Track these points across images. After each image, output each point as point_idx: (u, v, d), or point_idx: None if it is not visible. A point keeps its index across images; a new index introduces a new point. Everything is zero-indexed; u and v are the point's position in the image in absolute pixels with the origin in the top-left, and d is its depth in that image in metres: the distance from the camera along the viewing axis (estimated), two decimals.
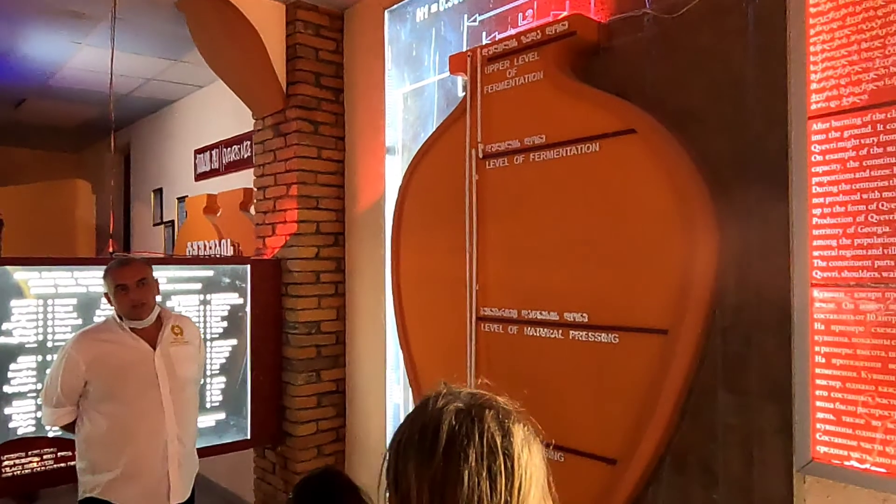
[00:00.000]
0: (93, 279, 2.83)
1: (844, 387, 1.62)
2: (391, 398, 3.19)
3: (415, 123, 3.01)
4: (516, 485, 0.80)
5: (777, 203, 1.76)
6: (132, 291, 2.32)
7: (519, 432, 0.83)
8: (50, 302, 2.75)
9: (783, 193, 1.75)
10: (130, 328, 2.36)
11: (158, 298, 2.47)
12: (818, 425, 1.67)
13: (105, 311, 2.75)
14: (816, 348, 1.67)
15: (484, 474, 0.79)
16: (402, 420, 0.88)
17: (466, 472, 0.78)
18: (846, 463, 1.62)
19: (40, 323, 2.73)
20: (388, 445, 0.86)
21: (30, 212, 6.47)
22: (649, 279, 1.98)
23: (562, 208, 2.23)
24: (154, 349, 2.37)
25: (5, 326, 2.66)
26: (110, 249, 3.34)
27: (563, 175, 2.22)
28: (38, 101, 5.42)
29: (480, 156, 2.50)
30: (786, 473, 1.75)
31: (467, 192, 2.52)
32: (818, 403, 1.67)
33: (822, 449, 1.66)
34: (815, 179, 1.69)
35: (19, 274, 2.70)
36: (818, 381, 1.67)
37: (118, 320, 2.37)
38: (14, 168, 6.79)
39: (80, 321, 2.80)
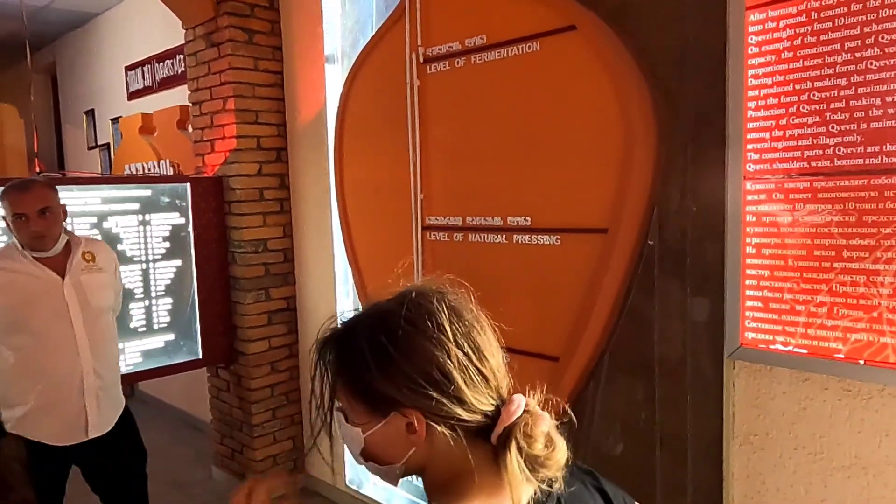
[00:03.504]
0: None
1: (772, 275, 1.68)
2: (342, 312, 3.19)
3: (353, 29, 2.88)
4: (487, 332, 0.83)
5: (714, 97, 1.76)
6: (32, 222, 2.09)
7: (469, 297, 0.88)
8: None
9: (721, 87, 1.75)
10: (34, 257, 2.17)
11: (72, 223, 2.28)
12: (747, 313, 1.74)
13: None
14: (748, 239, 1.72)
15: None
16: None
17: (458, 306, 0.82)
18: (772, 347, 1.70)
19: None
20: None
21: None
22: (590, 179, 1.99)
23: (504, 111, 2.19)
24: (63, 278, 2.19)
25: None
26: (37, 170, 3.17)
27: (504, 76, 2.18)
28: None
29: (421, 60, 2.42)
30: (717, 360, 1.83)
31: (408, 99, 2.45)
32: (748, 292, 1.74)
33: (750, 335, 1.74)
34: (750, 72, 1.68)
35: None
36: (748, 272, 1.73)
37: (20, 247, 2.17)
38: None
39: None
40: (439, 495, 0.79)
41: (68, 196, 2.85)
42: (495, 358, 0.82)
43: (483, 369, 0.79)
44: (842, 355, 1.58)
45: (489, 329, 0.84)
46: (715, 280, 1.80)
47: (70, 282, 2.21)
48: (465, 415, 0.77)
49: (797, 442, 1.73)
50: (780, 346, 1.69)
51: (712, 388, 1.85)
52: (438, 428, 0.77)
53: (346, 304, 3.17)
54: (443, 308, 0.80)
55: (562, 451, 0.78)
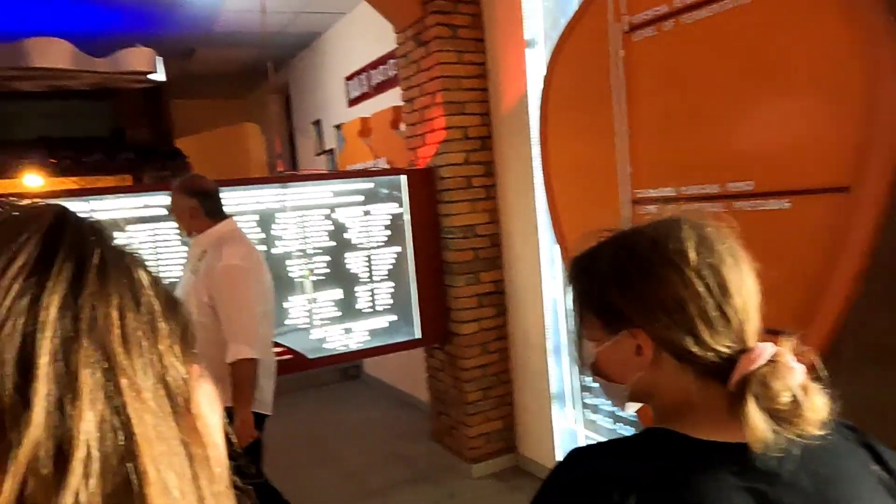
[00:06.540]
0: (267, 196, 3.13)
1: None
2: (548, 294, 3.22)
3: (553, 9, 2.89)
4: (741, 269, 0.78)
5: None
6: None
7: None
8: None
9: None
10: None
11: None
12: None
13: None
14: None
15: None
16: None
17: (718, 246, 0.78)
18: None
19: None
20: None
21: (212, 157, 7.14)
22: (824, 131, 1.79)
23: (718, 70, 2.05)
24: None
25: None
26: (279, 169, 3.62)
27: (717, 33, 2.04)
28: (206, 49, 5.90)
29: (626, 29, 2.35)
30: None
31: (613, 71, 2.40)
32: None
33: None
34: None
35: None
36: None
37: None
38: (192, 118, 7.49)
39: (263, 234, 3.12)
40: (663, 422, 0.78)
41: (303, 191, 3.23)
42: (744, 298, 0.76)
43: (724, 306, 0.74)
44: None
45: (746, 268, 0.78)
46: None
47: (185, 274, 2.53)
48: (694, 348, 0.74)
49: None
50: None
51: None
52: (665, 355, 0.75)
53: (554, 287, 3.19)
54: (692, 235, 0.77)
55: (816, 409, 0.71)
